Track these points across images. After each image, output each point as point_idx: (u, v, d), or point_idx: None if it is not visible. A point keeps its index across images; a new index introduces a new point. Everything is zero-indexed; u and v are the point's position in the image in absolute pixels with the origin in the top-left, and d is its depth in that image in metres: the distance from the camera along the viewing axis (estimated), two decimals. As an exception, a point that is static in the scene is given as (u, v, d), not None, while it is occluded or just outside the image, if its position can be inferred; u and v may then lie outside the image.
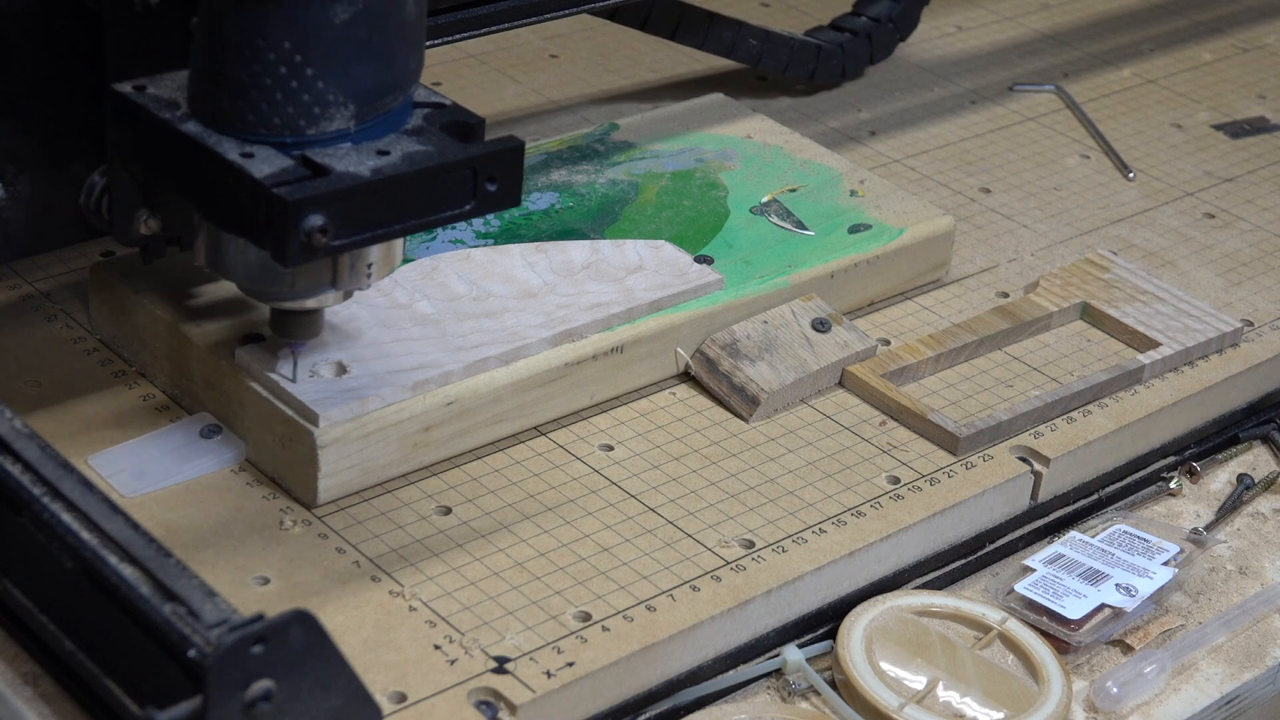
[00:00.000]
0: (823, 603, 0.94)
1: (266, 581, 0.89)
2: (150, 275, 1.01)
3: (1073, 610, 0.94)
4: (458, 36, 1.11)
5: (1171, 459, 1.08)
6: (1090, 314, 1.14)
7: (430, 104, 0.90)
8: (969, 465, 1.01)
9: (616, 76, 1.39)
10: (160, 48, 0.90)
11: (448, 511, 0.94)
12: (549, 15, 1.14)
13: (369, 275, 0.91)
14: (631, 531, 0.94)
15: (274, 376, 0.94)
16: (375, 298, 1.00)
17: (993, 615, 0.94)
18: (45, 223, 0.94)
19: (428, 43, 0.93)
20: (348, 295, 0.93)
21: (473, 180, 0.86)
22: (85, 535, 0.78)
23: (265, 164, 0.84)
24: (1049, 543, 1.01)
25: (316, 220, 0.82)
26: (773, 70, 1.36)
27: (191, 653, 0.73)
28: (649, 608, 0.89)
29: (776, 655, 0.92)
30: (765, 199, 1.15)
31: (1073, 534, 1.01)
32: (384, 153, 0.85)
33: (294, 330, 0.94)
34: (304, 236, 0.82)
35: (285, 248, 0.82)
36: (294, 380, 0.94)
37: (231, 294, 1.01)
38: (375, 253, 0.90)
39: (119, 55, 0.90)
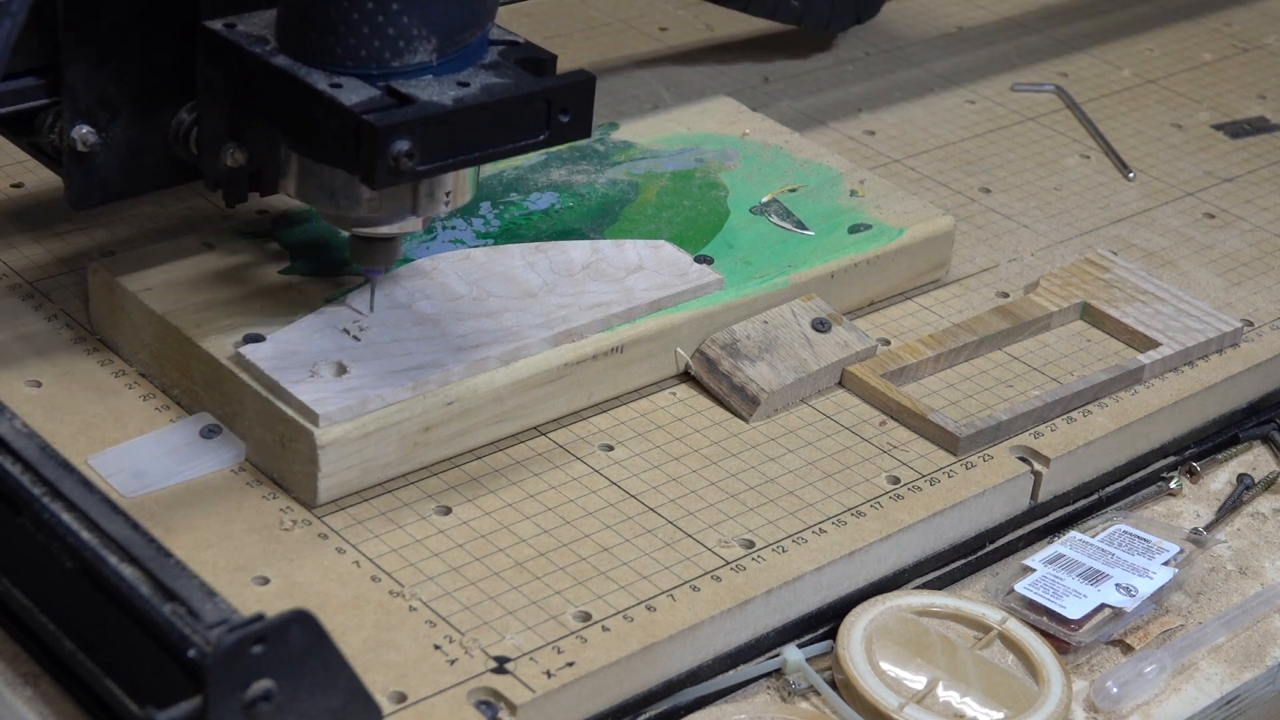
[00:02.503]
0: (823, 603, 0.94)
1: (266, 581, 0.89)
2: (150, 275, 1.02)
3: (1073, 610, 0.94)
4: None
5: (1171, 459, 1.08)
6: (1090, 314, 1.14)
7: (505, 41, 0.95)
8: (969, 465, 1.01)
9: (617, 76, 1.39)
10: None
11: (448, 511, 0.94)
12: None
13: (446, 203, 0.95)
14: (631, 531, 0.94)
15: (274, 376, 0.94)
16: (376, 297, 1.00)
17: (993, 615, 0.94)
18: (137, 167, 0.98)
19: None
20: (426, 222, 0.97)
21: (546, 111, 0.92)
22: (85, 535, 0.78)
23: (354, 93, 0.89)
24: (1049, 543, 1.01)
25: (403, 145, 0.87)
26: (814, 28, 1.40)
27: (191, 653, 0.73)
28: (649, 608, 0.89)
29: (776, 655, 0.92)
30: (765, 199, 1.15)
31: (1073, 534, 1.01)
32: (464, 84, 0.91)
33: (374, 257, 0.98)
34: (391, 160, 0.87)
35: (374, 171, 0.87)
36: (370, 310, 0.98)
37: (232, 294, 1.01)
38: (451, 181, 0.94)
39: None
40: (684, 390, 1.05)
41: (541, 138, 0.92)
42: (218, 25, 0.94)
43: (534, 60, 0.94)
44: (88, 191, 0.97)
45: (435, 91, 0.89)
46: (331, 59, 0.90)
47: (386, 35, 0.89)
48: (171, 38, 0.96)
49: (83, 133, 0.95)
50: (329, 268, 1.03)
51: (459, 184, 0.95)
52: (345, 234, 1.00)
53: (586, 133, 0.93)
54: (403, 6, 0.89)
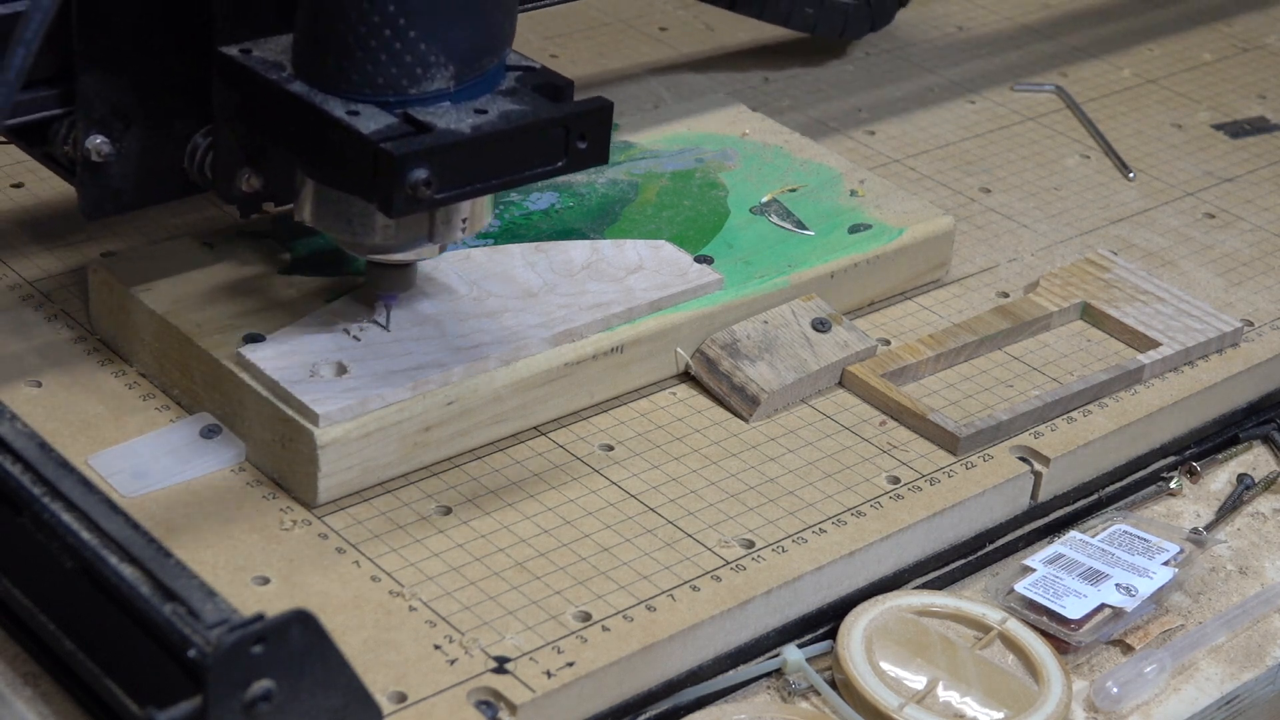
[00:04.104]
0: (823, 603, 0.94)
1: (266, 581, 0.89)
2: (150, 275, 1.02)
3: (1073, 610, 0.94)
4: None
5: (1171, 459, 1.08)
6: (1090, 314, 1.14)
7: (522, 67, 0.94)
8: (969, 465, 1.01)
9: (617, 77, 1.39)
10: (264, 12, 0.94)
11: (448, 511, 0.94)
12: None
13: (462, 229, 0.95)
14: (631, 531, 0.94)
15: (274, 376, 0.94)
16: (376, 297, 1.00)
17: (993, 615, 0.94)
18: (150, 178, 0.98)
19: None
20: (442, 249, 0.97)
21: (564, 138, 0.91)
22: (85, 535, 0.78)
23: (371, 121, 0.88)
24: (1049, 543, 1.01)
25: (421, 174, 0.86)
26: (828, 36, 1.40)
27: (191, 653, 0.73)
28: (649, 608, 0.89)
29: (776, 655, 0.92)
30: (765, 199, 1.15)
31: (1073, 534, 1.01)
32: (482, 111, 0.90)
33: (390, 283, 0.98)
34: (409, 189, 0.86)
35: (392, 199, 0.86)
36: (387, 328, 0.98)
37: (232, 294, 1.01)
38: (467, 208, 0.94)
39: (226, 19, 0.94)
40: (684, 390, 1.05)
41: (560, 164, 0.91)
42: (234, 51, 0.93)
43: (551, 86, 0.93)
44: (101, 201, 0.97)
45: (453, 119, 0.89)
46: (348, 86, 0.89)
47: (404, 62, 0.89)
48: (186, 48, 0.95)
49: (96, 143, 0.95)
50: (329, 268, 1.03)
51: (476, 210, 0.95)
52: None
53: (604, 159, 0.93)
54: (420, 34, 0.88)
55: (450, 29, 0.89)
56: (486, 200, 0.95)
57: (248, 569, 0.89)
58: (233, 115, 0.95)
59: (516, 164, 0.90)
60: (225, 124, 0.96)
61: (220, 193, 0.98)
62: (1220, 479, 1.08)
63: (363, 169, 0.87)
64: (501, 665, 0.85)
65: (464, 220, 0.94)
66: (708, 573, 0.92)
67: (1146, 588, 0.96)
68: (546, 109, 0.91)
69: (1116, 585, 0.96)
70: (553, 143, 0.91)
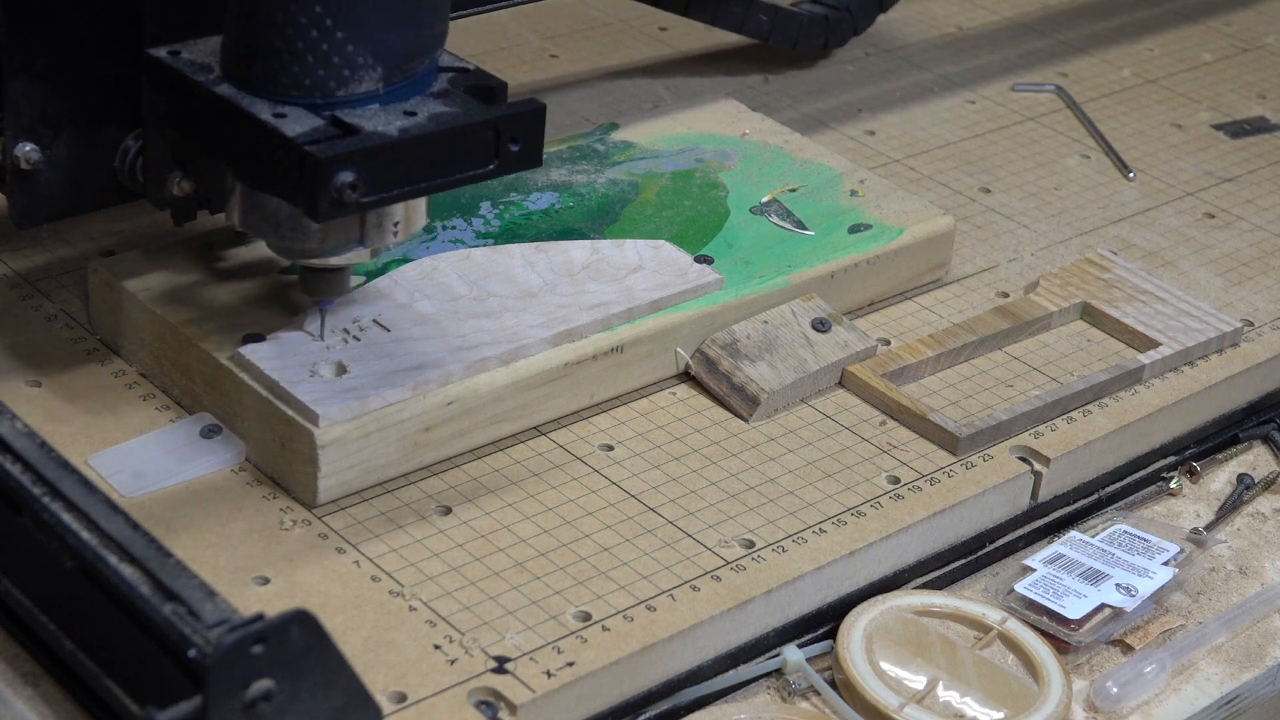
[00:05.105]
0: (823, 603, 0.94)
1: (266, 581, 0.89)
2: (150, 275, 1.02)
3: (1073, 610, 0.94)
4: (475, 10, 1.17)
5: (1171, 459, 1.08)
6: (1090, 314, 1.14)
7: (455, 68, 0.93)
8: (969, 465, 1.01)
9: (616, 76, 1.39)
10: (194, 13, 0.93)
11: (448, 511, 0.94)
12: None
13: (394, 233, 0.93)
14: (631, 531, 0.94)
15: (274, 376, 0.94)
16: (376, 297, 1.00)
17: (993, 615, 0.95)
18: (81, 185, 0.97)
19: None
20: (375, 253, 0.95)
21: (495, 141, 0.90)
22: (85, 535, 0.78)
23: (297, 124, 0.87)
24: (1049, 543, 1.01)
25: (347, 177, 0.85)
26: (782, 45, 1.39)
27: (191, 653, 0.73)
28: (649, 608, 0.89)
29: (776, 655, 0.92)
30: (765, 199, 1.15)
31: (1073, 534, 1.01)
32: (411, 114, 0.89)
33: (322, 288, 0.97)
34: (335, 193, 0.85)
35: (317, 203, 0.85)
36: (320, 339, 0.96)
37: (232, 294, 1.01)
38: (400, 211, 0.93)
39: (155, 21, 0.92)
40: (684, 390, 1.05)
41: (490, 168, 0.90)
42: (162, 53, 0.92)
43: (484, 88, 0.92)
44: (31, 210, 0.95)
45: (381, 121, 0.88)
46: (276, 88, 0.88)
47: (331, 64, 0.87)
48: (116, 54, 0.94)
49: (25, 150, 0.93)
50: (329, 268, 1.03)
51: (409, 213, 0.93)
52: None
53: (537, 162, 0.91)
54: (348, 35, 0.87)
55: (379, 30, 0.88)
56: (420, 203, 0.94)
57: (248, 569, 0.89)
58: (162, 118, 0.93)
59: (446, 167, 0.89)
60: (155, 127, 0.94)
61: (151, 197, 0.96)
62: (1220, 479, 1.08)
63: (288, 173, 0.86)
64: (501, 665, 0.85)
65: (396, 224, 0.93)
66: (708, 573, 0.92)
67: (1146, 588, 0.96)
68: (477, 111, 0.90)
69: (1116, 585, 0.96)
70: (483, 145, 0.89)
